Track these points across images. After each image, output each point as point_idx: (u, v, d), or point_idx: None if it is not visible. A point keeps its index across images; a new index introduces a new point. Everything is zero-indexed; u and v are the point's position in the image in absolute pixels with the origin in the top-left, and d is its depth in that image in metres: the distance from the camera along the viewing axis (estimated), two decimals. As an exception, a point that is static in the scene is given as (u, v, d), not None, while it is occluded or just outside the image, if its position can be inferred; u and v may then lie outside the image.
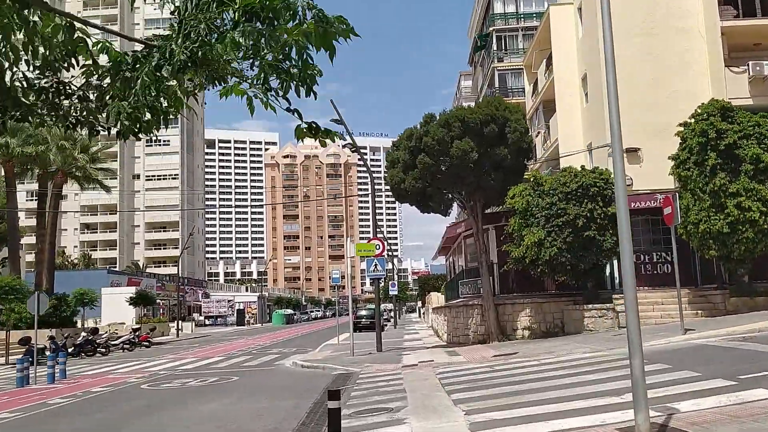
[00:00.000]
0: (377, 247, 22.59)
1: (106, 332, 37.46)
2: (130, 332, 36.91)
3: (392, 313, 59.99)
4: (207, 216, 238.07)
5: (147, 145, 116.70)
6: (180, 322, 63.19)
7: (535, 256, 18.99)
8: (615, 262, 20.54)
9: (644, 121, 25.97)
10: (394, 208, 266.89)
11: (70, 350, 31.85)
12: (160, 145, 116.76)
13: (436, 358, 17.89)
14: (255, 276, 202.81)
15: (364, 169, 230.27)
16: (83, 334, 33.42)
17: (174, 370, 21.85)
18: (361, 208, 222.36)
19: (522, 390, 10.72)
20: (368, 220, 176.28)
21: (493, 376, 12.94)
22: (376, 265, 22.64)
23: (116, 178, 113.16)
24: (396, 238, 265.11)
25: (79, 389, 17.34)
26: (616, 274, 20.99)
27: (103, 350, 32.65)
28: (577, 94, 29.66)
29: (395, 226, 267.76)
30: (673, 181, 24.39)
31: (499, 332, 21.51)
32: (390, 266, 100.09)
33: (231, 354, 28.90)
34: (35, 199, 52.34)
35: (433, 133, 19.80)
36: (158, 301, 65.11)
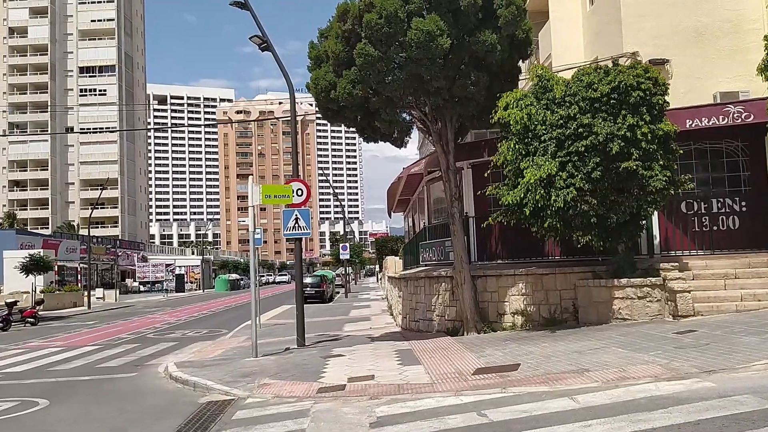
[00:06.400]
0: (299, 192, 15.18)
1: (-26, 307, 29.51)
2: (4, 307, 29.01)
3: (346, 280, 52.69)
4: (159, 176, 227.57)
5: (81, 95, 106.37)
6: (102, 290, 55.41)
7: (541, 202, 11.84)
8: (655, 213, 13.49)
9: (674, 24, 19.03)
10: (356, 169, 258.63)
11: None
12: (95, 95, 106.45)
13: (380, 371, 10.71)
14: (210, 238, 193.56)
15: (326, 125, 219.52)
16: (-66, 311, 25.53)
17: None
18: (320, 163, 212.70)
19: None
20: (331, 179, 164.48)
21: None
22: (297, 218, 15.29)
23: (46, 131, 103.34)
24: (357, 201, 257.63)
25: None
26: (656, 232, 13.94)
27: (-40, 332, 24.91)
28: (578, -3, 22.39)
29: (356, 188, 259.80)
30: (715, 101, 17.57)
31: (478, 318, 14.43)
32: (349, 229, 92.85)
33: (113, 340, 21.46)
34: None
35: (380, 6, 12.27)
36: (77, 266, 56.83)
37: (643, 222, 12.80)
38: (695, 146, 14.09)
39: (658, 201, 11.92)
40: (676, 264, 12.37)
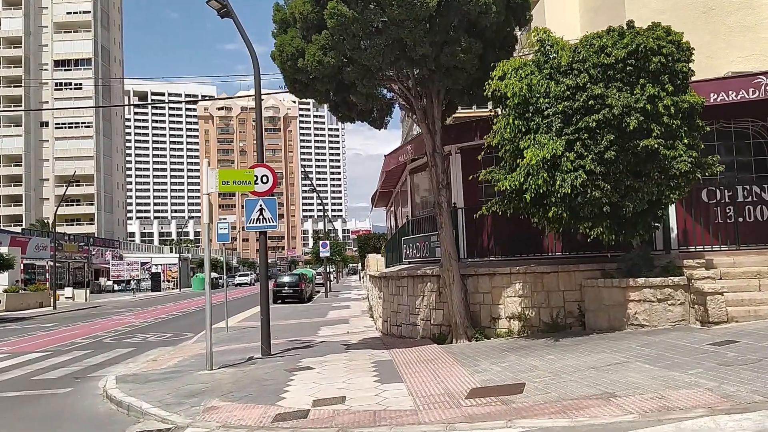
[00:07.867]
0: (263, 178, 13.26)
1: None
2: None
3: (327, 278, 50.66)
4: (139, 173, 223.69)
5: (56, 89, 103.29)
6: (72, 289, 53.06)
7: (544, 187, 10.01)
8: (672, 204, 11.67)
9: (685, -3, 17.36)
10: (339, 166, 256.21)
11: None
12: (70, 89, 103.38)
13: (353, 390, 8.83)
14: (192, 236, 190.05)
15: (309, 123, 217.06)
16: None
17: None
18: (303, 161, 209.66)
19: None
20: (314, 174, 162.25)
21: None
22: (262, 209, 13.37)
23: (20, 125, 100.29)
24: (341, 199, 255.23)
25: None
26: (674, 223, 12.14)
27: None
28: (575, -30, 20.66)
29: (339, 186, 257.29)
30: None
31: (469, 323, 12.60)
32: (331, 227, 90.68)
33: (64, 346, 19.38)
34: None
35: (354, -43, 10.39)
36: (46, 263, 54.30)
37: (662, 211, 11.01)
38: (717, 126, 12.32)
39: (682, 186, 10.11)
40: (702, 261, 10.60)
